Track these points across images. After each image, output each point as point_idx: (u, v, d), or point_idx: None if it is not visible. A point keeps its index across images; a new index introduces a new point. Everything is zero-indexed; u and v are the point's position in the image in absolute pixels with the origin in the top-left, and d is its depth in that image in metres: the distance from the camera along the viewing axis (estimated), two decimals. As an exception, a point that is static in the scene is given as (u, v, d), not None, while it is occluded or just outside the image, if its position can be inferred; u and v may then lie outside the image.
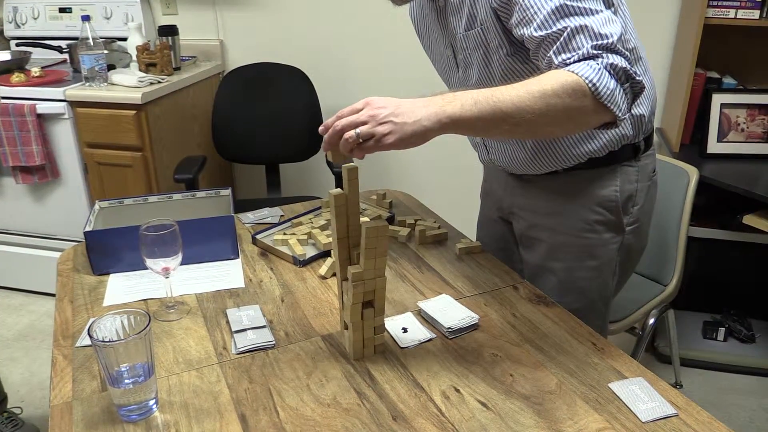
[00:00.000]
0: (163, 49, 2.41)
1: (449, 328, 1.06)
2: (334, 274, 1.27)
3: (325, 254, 1.33)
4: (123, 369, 0.85)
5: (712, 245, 2.17)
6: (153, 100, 2.27)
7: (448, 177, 2.63)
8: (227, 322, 1.10)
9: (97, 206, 1.37)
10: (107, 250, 1.26)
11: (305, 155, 2.53)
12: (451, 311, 1.11)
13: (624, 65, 0.94)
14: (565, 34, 0.96)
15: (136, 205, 1.41)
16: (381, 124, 0.90)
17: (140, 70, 2.42)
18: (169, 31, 2.50)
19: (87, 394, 0.94)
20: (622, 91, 0.95)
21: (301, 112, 2.48)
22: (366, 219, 0.92)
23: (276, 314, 1.13)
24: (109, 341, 0.85)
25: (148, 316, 0.86)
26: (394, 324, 1.08)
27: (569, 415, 0.88)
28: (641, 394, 0.92)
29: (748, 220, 1.92)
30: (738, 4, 1.99)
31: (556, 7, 0.96)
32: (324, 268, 1.26)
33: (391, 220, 1.50)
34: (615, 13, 1.02)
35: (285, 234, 1.40)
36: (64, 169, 2.40)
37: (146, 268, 1.09)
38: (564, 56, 0.96)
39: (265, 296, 1.19)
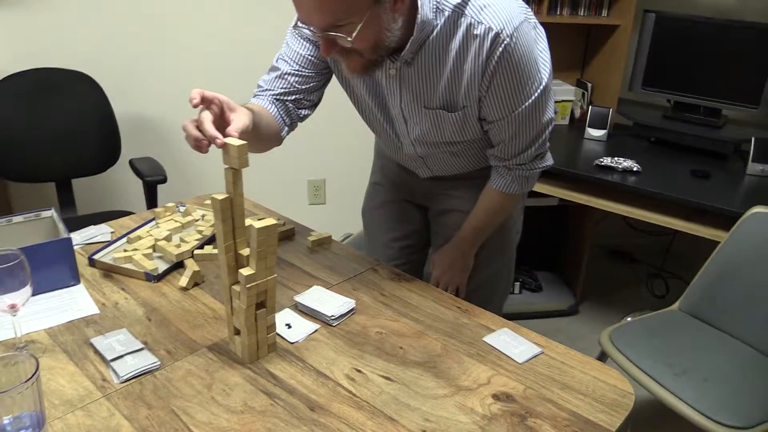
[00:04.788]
0: None
1: (332, 315, 1.11)
2: (196, 284, 1.22)
3: (178, 265, 1.28)
4: (5, 422, 0.75)
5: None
6: None
7: (272, 176, 2.63)
8: (96, 352, 1.01)
9: None
10: None
11: (101, 167, 2.32)
12: (328, 300, 1.16)
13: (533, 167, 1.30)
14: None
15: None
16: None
17: None
18: None
19: (-53, 465, 0.80)
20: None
21: (91, 119, 2.26)
22: (250, 221, 0.92)
23: (148, 334, 1.06)
24: (-14, 394, 0.74)
25: (35, 359, 0.76)
26: (276, 322, 1.09)
27: (461, 370, 0.99)
28: (510, 341, 1.06)
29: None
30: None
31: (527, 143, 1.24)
32: (184, 279, 1.21)
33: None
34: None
35: (126, 251, 1.30)
36: None
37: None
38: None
39: (127, 318, 1.11)
